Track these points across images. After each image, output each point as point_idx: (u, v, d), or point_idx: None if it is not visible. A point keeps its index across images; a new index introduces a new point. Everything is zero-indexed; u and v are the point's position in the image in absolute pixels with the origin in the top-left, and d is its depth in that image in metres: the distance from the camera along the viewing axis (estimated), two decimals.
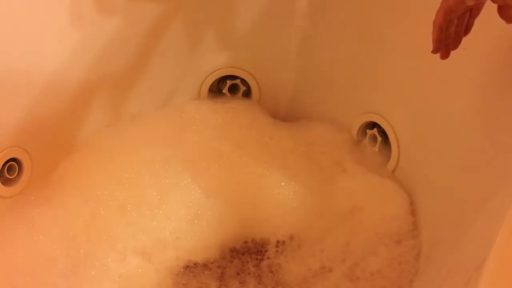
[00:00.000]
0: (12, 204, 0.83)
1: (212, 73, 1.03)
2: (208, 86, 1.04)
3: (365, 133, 0.95)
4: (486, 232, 0.54)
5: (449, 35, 0.59)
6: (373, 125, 0.94)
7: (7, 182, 0.83)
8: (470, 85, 0.73)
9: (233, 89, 1.06)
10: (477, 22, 0.59)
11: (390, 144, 0.90)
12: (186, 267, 0.81)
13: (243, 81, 1.05)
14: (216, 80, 1.04)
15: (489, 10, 0.65)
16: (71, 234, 0.80)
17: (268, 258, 0.82)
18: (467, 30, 0.60)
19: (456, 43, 0.61)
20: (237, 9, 0.97)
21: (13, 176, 0.83)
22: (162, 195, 0.86)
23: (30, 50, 0.80)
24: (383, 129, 0.91)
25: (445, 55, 0.61)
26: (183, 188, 0.87)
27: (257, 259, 0.83)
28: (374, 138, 0.93)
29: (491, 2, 0.55)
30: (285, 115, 1.04)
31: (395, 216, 0.82)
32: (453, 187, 0.74)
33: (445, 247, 0.70)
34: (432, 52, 0.61)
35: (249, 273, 0.81)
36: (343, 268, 0.78)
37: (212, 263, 0.82)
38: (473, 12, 0.59)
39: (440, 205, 0.77)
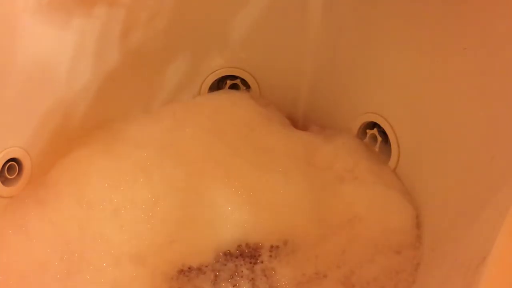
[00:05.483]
0: (9, 205, 0.83)
1: (212, 73, 1.02)
2: (208, 86, 1.03)
3: (365, 133, 0.94)
4: (486, 232, 0.54)
5: None
6: (373, 125, 0.93)
7: (7, 182, 0.83)
8: (470, 85, 0.72)
9: (233, 89, 1.05)
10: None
11: (390, 144, 0.89)
12: (181, 271, 0.81)
13: (243, 81, 1.04)
14: (216, 80, 1.03)
15: (489, 10, 0.65)
16: (65, 238, 0.80)
17: (262, 262, 0.81)
18: None
19: None
20: (237, 9, 0.96)
21: (13, 176, 0.83)
22: (157, 198, 0.85)
23: (30, 50, 0.80)
24: (383, 129, 0.90)
25: None
26: (178, 191, 0.86)
27: (250, 262, 0.82)
28: (374, 138, 0.92)
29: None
30: (284, 116, 1.03)
31: (397, 229, 0.80)
32: (453, 186, 0.73)
33: (445, 247, 0.69)
34: None
35: (242, 276, 0.80)
36: (338, 274, 0.77)
37: (206, 266, 0.81)
38: None
39: (440, 205, 0.76)
